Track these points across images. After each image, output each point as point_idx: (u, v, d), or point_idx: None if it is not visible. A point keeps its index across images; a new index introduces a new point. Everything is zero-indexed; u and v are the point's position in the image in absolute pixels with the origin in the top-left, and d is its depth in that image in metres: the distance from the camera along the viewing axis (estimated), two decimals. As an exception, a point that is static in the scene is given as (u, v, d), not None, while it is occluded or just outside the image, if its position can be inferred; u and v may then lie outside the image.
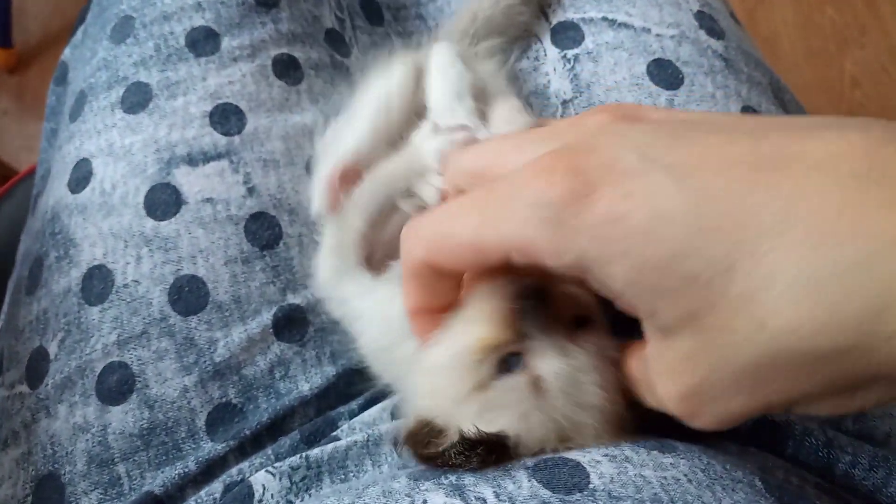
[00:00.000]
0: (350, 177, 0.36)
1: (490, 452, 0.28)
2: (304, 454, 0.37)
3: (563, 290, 0.30)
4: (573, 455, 0.28)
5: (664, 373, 0.24)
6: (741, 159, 0.22)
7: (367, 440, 0.38)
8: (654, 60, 0.46)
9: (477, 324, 0.30)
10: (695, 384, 0.23)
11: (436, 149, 0.35)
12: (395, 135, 0.39)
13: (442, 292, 0.29)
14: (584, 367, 0.29)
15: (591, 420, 0.29)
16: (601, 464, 0.27)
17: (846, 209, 0.20)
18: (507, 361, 0.30)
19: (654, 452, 0.28)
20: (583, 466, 0.27)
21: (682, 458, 0.28)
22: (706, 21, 0.48)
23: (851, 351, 0.20)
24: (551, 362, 0.29)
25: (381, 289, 0.37)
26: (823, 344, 0.20)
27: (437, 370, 0.31)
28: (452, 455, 0.28)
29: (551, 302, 0.30)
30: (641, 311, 0.23)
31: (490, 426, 0.28)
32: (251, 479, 0.36)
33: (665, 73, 0.45)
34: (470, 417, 0.29)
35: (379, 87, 0.40)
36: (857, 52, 1.40)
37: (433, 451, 0.29)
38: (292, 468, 0.36)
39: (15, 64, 1.34)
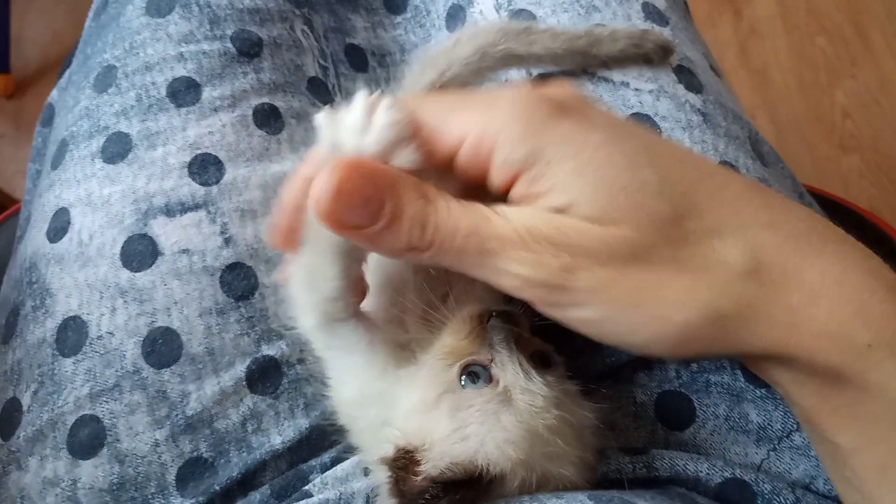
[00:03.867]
0: None
1: (467, 489, 0.30)
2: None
3: (528, 333, 0.34)
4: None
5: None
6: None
7: (339, 499, 0.37)
8: (633, 115, 0.46)
9: (448, 335, 0.34)
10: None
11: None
12: None
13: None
14: (546, 393, 0.31)
15: (560, 447, 0.31)
16: None
17: None
18: (475, 373, 0.33)
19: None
20: None
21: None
22: (685, 76, 0.48)
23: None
24: (517, 376, 0.31)
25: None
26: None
27: (414, 384, 0.34)
28: (428, 498, 0.30)
29: (519, 335, 0.33)
30: (558, 198, 0.28)
31: (462, 444, 0.30)
32: None
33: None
34: (443, 428, 0.31)
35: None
36: (848, 84, 1.41)
37: (411, 487, 0.30)
38: None
39: (13, 89, 1.36)
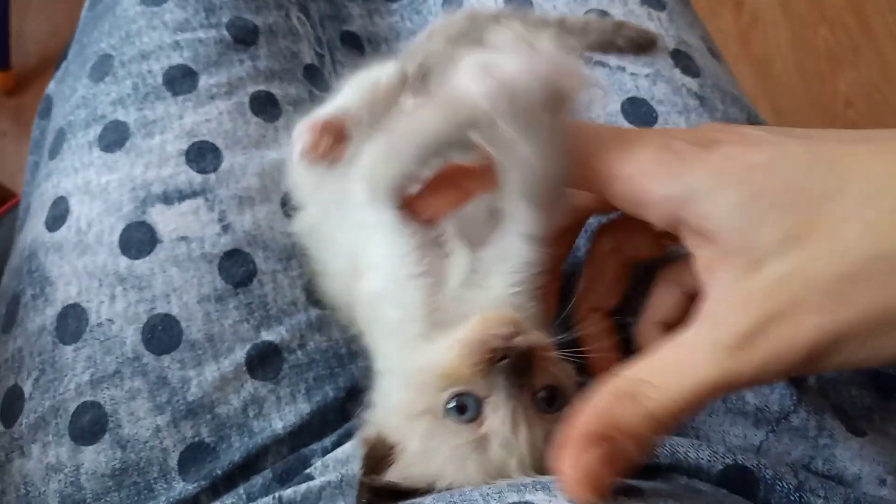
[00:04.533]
0: (335, 129, 0.34)
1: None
2: (276, 494, 0.37)
3: (544, 364, 0.31)
4: (539, 499, 0.28)
5: (735, 309, 0.25)
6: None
7: (341, 480, 0.37)
8: (629, 99, 0.46)
9: (452, 351, 0.31)
10: (776, 308, 0.24)
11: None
12: (378, 117, 0.38)
13: None
14: (524, 452, 0.30)
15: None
16: None
17: None
18: (465, 404, 0.30)
19: (621, 497, 0.28)
20: None
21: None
22: (682, 60, 0.48)
23: None
24: (503, 427, 0.29)
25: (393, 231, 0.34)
26: None
27: (403, 378, 0.32)
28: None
29: (531, 371, 0.31)
30: (738, 239, 0.25)
31: (423, 470, 0.30)
32: None
33: (639, 112, 0.46)
34: (414, 446, 0.30)
35: (369, 72, 0.40)
36: (850, 72, 1.40)
37: (374, 480, 0.30)
38: None
39: (13, 86, 1.36)
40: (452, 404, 0.31)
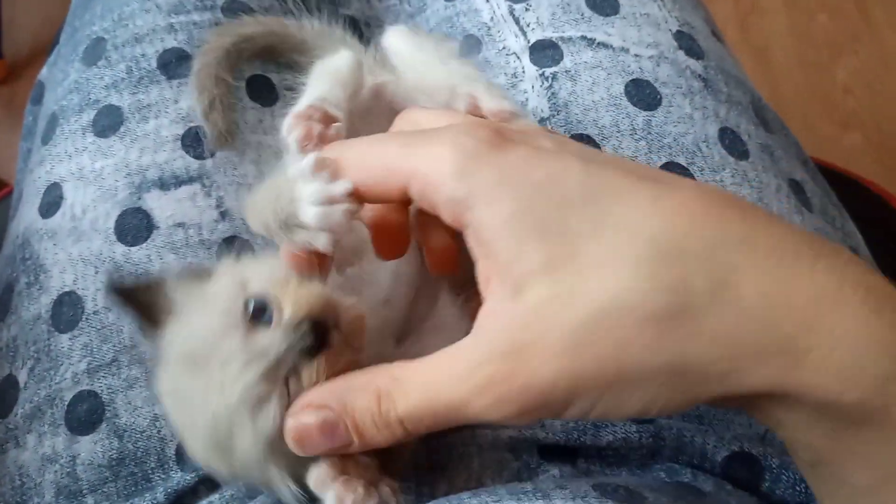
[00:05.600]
0: (320, 114, 0.34)
1: None
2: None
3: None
4: None
5: (496, 333, 0.24)
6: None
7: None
8: (633, 80, 0.45)
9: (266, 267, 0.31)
10: (525, 340, 0.23)
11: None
12: (353, 98, 0.37)
13: None
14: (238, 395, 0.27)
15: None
16: None
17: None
18: (264, 310, 0.29)
19: None
20: None
21: None
22: (685, 41, 0.47)
23: (678, 318, 0.22)
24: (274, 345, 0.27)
25: None
26: (661, 303, 0.22)
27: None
28: None
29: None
30: (504, 254, 0.24)
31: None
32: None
33: (643, 94, 0.45)
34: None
35: (325, 62, 0.39)
36: (849, 60, 1.40)
37: None
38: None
39: (5, 75, 1.34)
40: (255, 305, 0.29)
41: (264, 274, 0.30)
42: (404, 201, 0.28)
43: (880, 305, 0.22)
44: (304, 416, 0.26)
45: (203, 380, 0.28)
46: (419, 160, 0.26)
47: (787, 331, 0.22)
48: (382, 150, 0.28)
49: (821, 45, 1.42)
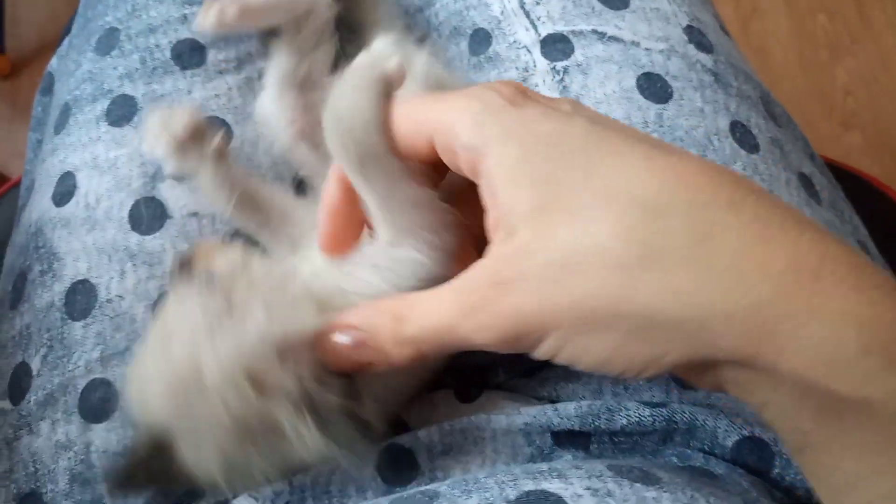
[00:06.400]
0: None
1: None
2: (288, 479, 0.37)
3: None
4: (555, 488, 0.28)
5: (485, 268, 0.26)
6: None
7: None
8: (644, 74, 0.46)
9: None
10: (507, 275, 0.25)
11: None
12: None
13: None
14: None
15: None
16: (583, 498, 0.27)
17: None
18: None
19: (638, 485, 0.28)
20: (565, 501, 0.27)
21: (665, 492, 0.28)
22: (695, 35, 0.48)
23: (648, 269, 0.23)
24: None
25: None
26: (633, 252, 0.23)
27: None
28: None
29: None
30: (505, 201, 0.26)
31: None
32: (234, 502, 0.36)
33: (654, 87, 0.45)
34: None
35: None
36: (849, 61, 1.41)
37: None
38: (276, 493, 0.36)
39: (8, 70, 1.34)
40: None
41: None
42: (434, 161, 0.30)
43: (861, 282, 0.22)
44: (339, 336, 0.29)
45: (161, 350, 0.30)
46: (444, 112, 0.28)
47: (761, 296, 0.22)
48: (414, 105, 0.29)
49: (821, 46, 1.42)
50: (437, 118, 0.28)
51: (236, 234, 0.43)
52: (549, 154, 0.25)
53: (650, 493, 0.27)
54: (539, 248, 0.25)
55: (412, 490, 0.31)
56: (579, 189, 0.24)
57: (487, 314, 0.26)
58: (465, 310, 0.26)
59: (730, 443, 0.36)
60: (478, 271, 0.26)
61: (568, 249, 0.24)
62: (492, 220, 0.27)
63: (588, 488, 0.27)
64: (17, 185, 0.66)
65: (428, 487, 0.31)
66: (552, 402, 0.39)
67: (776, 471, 0.36)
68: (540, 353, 0.26)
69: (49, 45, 1.36)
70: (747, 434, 0.36)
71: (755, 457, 0.36)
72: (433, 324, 0.27)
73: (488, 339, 0.26)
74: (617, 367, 0.25)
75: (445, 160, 0.28)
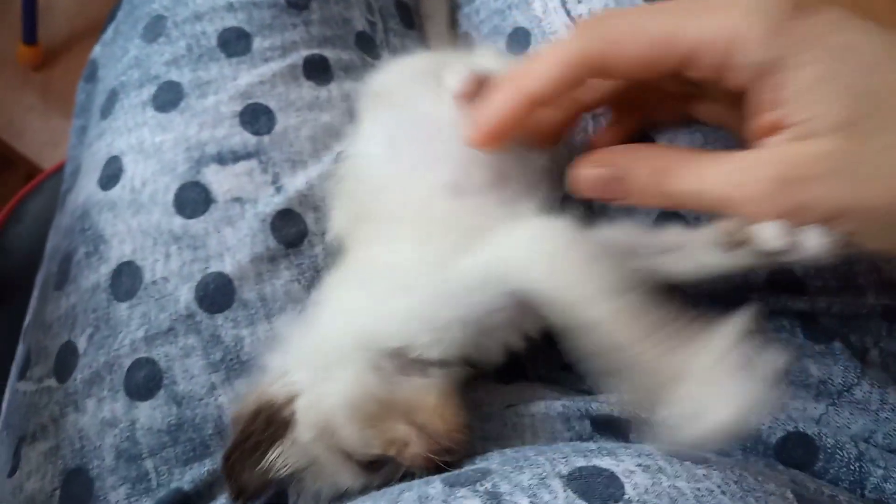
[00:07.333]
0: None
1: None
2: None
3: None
4: (607, 464, 0.28)
5: (773, 160, 0.28)
6: None
7: None
8: None
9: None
10: (792, 176, 0.28)
11: None
12: None
13: (566, 90, 0.33)
14: None
15: None
16: (635, 474, 0.27)
17: None
18: (382, 465, 0.34)
19: (688, 463, 0.28)
20: (617, 477, 0.27)
21: (714, 470, 0.28)
22: None
23: None
24: None
25: None
26: None
27: None
28: None
29: None
30: (805, 111, 0.28)
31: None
32: None
33: None
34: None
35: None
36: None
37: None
38: None
39: (40, 61, 1.36)
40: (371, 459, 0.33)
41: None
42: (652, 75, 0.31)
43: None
44: (592, 168, 0.32)
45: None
46: (712, 28, 0.29)
47: None
48: (650, 22, 0.30)
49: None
50: (698, 34, 0.29)
51: (280, 216, 0.43)
52: (848, 69, 0.27)
53: (700, 470, 0.27)
54: (857, 153, 0.26)
55: (464, 469, 0.32)
56: (883, 108, 0.26)
57: (770, 204, 0.28)
58: (746, 192, 0.28)
59: (773, 440, 0.36)
60: (764, 159, 0.28)
61: (887, 155, 0.26)
62: (771, 123, 0.29)
63: (639, 465, 0.28)
64: (51, 175, 0.67)
65: (478, 466, 0.31)
66: (590, 394, 0.39)
67: (819, 465, 0.36)
68: (841, 230, 0.28)
69: (79, 38, 1.38)
70: (791, 429, 0.36)
71: (799, 452, 0.36)
72: (701, 190, 0.29)
73: (802, 215, 0.28)
74: None
75: (699, 76, 0.30)
